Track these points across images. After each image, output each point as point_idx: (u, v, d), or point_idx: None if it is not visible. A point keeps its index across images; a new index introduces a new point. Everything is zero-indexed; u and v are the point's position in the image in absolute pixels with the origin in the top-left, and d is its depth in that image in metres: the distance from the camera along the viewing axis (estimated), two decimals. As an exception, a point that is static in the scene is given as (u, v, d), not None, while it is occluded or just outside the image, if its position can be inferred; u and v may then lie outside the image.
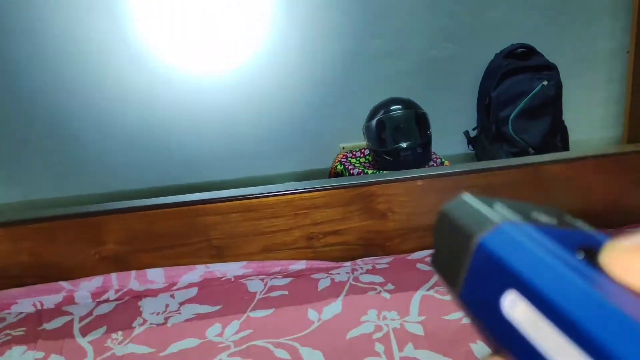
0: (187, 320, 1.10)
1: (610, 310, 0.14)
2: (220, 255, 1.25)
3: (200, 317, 1.11)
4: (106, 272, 1.20)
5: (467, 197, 0.19)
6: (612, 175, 1.35)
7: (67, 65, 1.88)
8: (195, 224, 1.23)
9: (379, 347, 0.97)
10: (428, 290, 1.14)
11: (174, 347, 1.01)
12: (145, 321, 1.10)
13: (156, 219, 1.22)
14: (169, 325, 1.09)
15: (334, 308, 1.10)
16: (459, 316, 1.04)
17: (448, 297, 1.11)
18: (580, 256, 0.16)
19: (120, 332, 1.07)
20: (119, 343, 1.04)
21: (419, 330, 1.02)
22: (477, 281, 0.17)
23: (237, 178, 2.08)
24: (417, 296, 1.12)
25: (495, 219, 0.17)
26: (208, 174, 2.06)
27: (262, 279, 1.22)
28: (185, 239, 1.24)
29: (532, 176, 1.33)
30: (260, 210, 1.25)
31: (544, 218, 0.18)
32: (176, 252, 1.24)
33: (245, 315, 1.10)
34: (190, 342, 1.03)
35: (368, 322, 1.05)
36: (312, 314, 1.09)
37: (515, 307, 0.16)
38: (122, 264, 1.22)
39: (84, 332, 1.08)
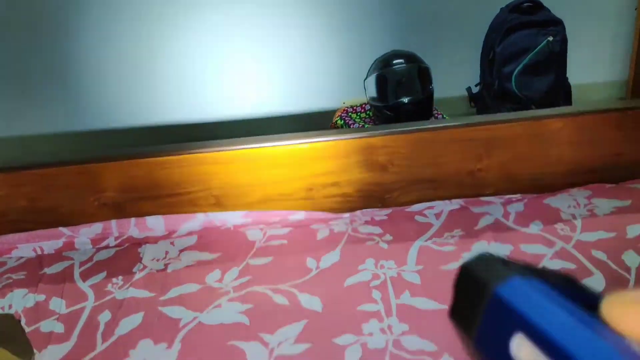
0: (186, 266, 1.11)
1: (601, 347, 0.16)
2: (219, 204, 1.25)
3: (199, 263, 1.12)
4: (105, 219, 1.20)
5: (486, 255, 0.21)
6: (615, 131, 1.34)
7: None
8: (195, 173, 1.23)
9: (376, 294, 0.98)
10: (426, 241, 1.14)
11: (174, 292, 1.03)
12: (145, 267, 1.11)
13: (156, 167, 1.22)
14: (168, 271, 1.10)
15: (332, 257, 1.11)
16: (456, 266, 1.05)
17: (446, 249, 1.12)
18: (584, 310, 0.18)
19: (120, 277, 1.08)
20: (119, 287, 1.05)
21: (415, 279, 1.03)
22: (491, 327, 0.19)
23: (237, 119, 2.06)
24: (415, 247, 1.12)
25: (509, 273, 0.20)
26: (208, 113, 2.04)
27: (261, 229, 1.23)
28: (184, 187, 1.24)
29: (533, 130, 1.32)
30: (260, 160, 1.24)
31: (554, 279, 0.20)
32: (175, 201, 1.24)
33: (245, 262, 1.11)
34: (190, 287, 1.04)
35: (366, 270, 1.06)
36: (310, 262, 1.09)
37: (521, 348, 0.17)
38: (121, 211, 1.22)
39: (84, 276, 1.09)
